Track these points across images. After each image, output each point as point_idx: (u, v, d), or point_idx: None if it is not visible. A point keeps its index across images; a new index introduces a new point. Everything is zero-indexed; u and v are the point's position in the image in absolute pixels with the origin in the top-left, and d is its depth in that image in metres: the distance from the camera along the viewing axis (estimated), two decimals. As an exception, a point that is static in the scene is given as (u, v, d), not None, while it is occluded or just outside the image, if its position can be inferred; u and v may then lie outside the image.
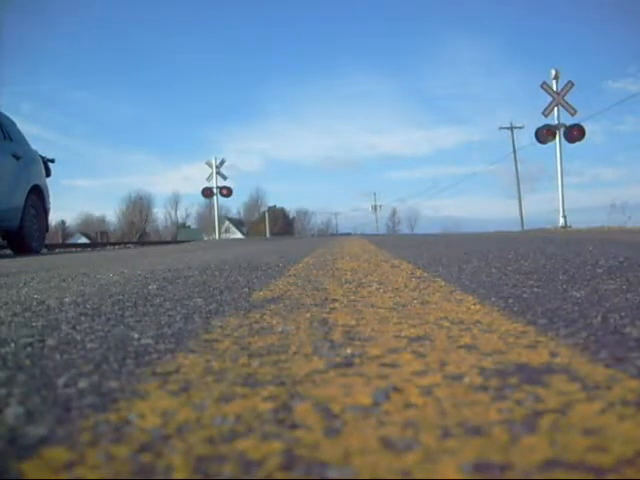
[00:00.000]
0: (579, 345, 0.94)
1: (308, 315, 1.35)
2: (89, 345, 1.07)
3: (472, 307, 1.39)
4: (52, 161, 8.90)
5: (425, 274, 2.29)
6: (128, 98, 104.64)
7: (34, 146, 8.11)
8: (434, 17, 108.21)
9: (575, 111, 15.96)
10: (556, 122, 16.12)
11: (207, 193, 24.00)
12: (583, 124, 16.31)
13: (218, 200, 24.29)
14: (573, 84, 16.06)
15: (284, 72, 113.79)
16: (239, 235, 62.55)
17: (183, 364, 0.89)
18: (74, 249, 11.84)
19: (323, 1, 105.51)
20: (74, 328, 1.26)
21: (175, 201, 75.85)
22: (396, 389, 0.73)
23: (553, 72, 16.00)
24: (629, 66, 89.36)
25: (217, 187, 23.60)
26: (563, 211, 16.18)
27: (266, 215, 59.64)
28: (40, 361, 0.95)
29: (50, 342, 1.11)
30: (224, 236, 37.63)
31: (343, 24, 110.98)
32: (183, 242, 16.56)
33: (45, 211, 7.99)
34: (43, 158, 8.51)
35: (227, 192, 23.92)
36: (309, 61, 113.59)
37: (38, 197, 7.67)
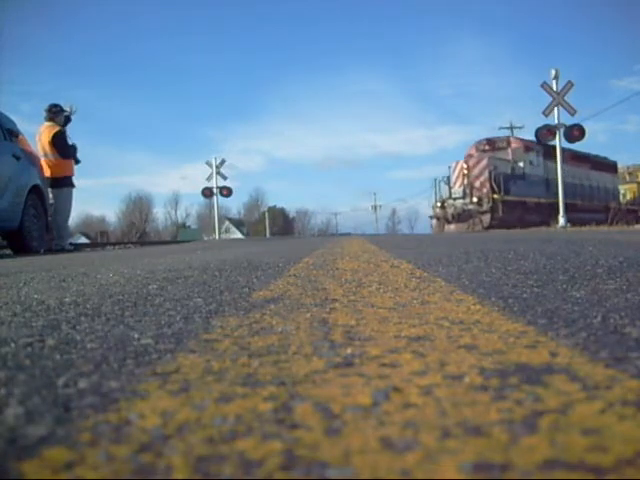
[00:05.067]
0: (579, 345, 0.94)
1: (308, 315, 1.35)
2: (89, 345, 1.07)
3: (472, 307, 1.39)
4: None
5: (425, 274, 2.29)
6: (129, 98, 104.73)
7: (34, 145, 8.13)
8: (436, 16, 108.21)
9: (575, 111, 15.94)
10: (556, 122, 16.11)
11: (207, 193, 23.97)
12: (586, 123, 16.31)
13: (218, 200, 24.28)
14: (573, 84, 16.03)
15: (285, 71, 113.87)
16: (239, 235, 62.48)
17: (183, 364, 0.89)
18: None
19: (325, 0, 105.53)
20: (74, 328, 1.26)
21: (175, 201, 75.97)
22: (396, 389, 0.73)
23: (553, 72, 15.97)
24: (636, 64, 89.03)
25: (217, 187, 23.57)
26: (563, 211, 16.17)
27: (266, 215, 59.60)
28: (40, 361, 0.95)
29: (50, 342, 1.11)
30: (224, 236, 37.58)
31: (345, 23, 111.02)
32: (183, 242, 16.54)
33: (45, 211, 7.99)
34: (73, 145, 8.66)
35: (227, 192, 23.88)
36: (311, 60, 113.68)
37: (38, 197, 7.67)
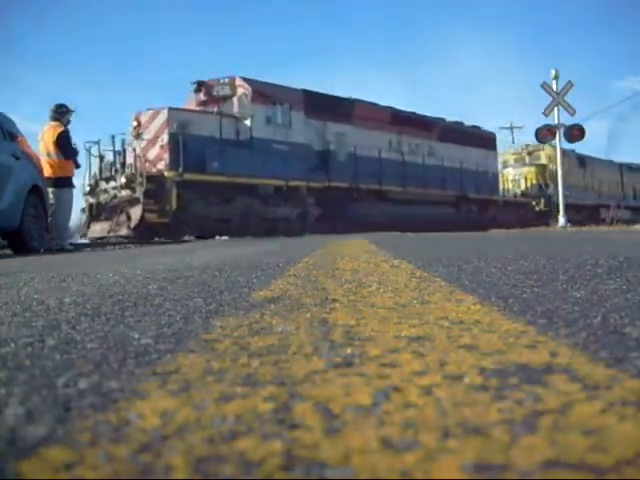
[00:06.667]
0: (579, 345, 0.94)
1: (308, 315, 1.35)
2: (89, 345, 1.07)
3: (472, 307, 1.39)
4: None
5: (425, 274, 2.29)
6: (129, 98, 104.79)
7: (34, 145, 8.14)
8: (437, 17, 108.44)
9: (574, 111, 15.95)
10: (556, 122, 16.12)
11: (207, 193, 23.93)
12: (586, 123, 16.31)
13: (218, 200, 24.23)
14: (573, 84, 16.04)
15: (287, 71, 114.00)
16: (239, 235, 62.27)
17: (183, 364, 0.89)
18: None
19: (326, 2, 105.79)
20: (74, 328, 1.26)
21: (175, 201, 75.85)
22: (396, 389, 0.73)
23: (553, 72, 15.98)
24: (638, 65, 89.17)
25: (217, 187, 23.51)
26: (563, 211, 16.16)
27: (266, 215, 59.44)
28: (40, 361, 0.95)
29: (50, 342, 1.11)
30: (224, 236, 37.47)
31: (347, 23, 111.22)
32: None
33: (45, 211, 7.99)
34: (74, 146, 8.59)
35: (227, 192, 23.83)
36: (311, 61, 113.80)
37: (38, 197, 7.67)
